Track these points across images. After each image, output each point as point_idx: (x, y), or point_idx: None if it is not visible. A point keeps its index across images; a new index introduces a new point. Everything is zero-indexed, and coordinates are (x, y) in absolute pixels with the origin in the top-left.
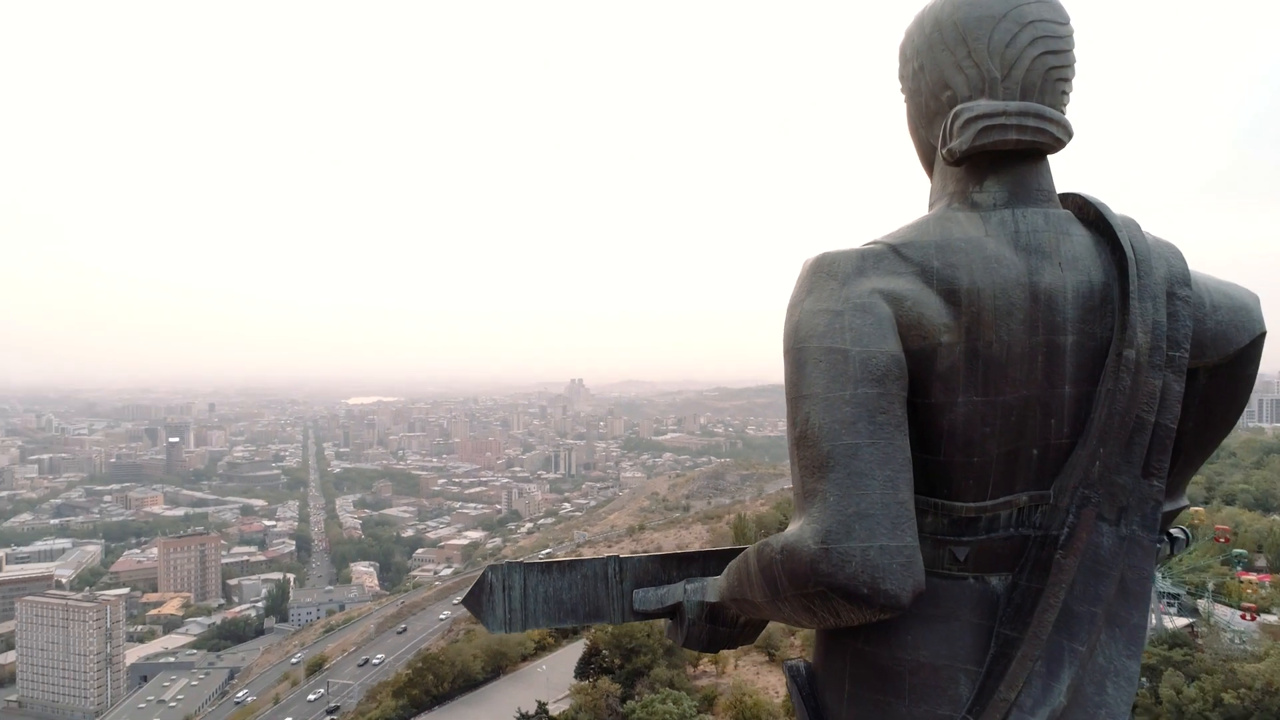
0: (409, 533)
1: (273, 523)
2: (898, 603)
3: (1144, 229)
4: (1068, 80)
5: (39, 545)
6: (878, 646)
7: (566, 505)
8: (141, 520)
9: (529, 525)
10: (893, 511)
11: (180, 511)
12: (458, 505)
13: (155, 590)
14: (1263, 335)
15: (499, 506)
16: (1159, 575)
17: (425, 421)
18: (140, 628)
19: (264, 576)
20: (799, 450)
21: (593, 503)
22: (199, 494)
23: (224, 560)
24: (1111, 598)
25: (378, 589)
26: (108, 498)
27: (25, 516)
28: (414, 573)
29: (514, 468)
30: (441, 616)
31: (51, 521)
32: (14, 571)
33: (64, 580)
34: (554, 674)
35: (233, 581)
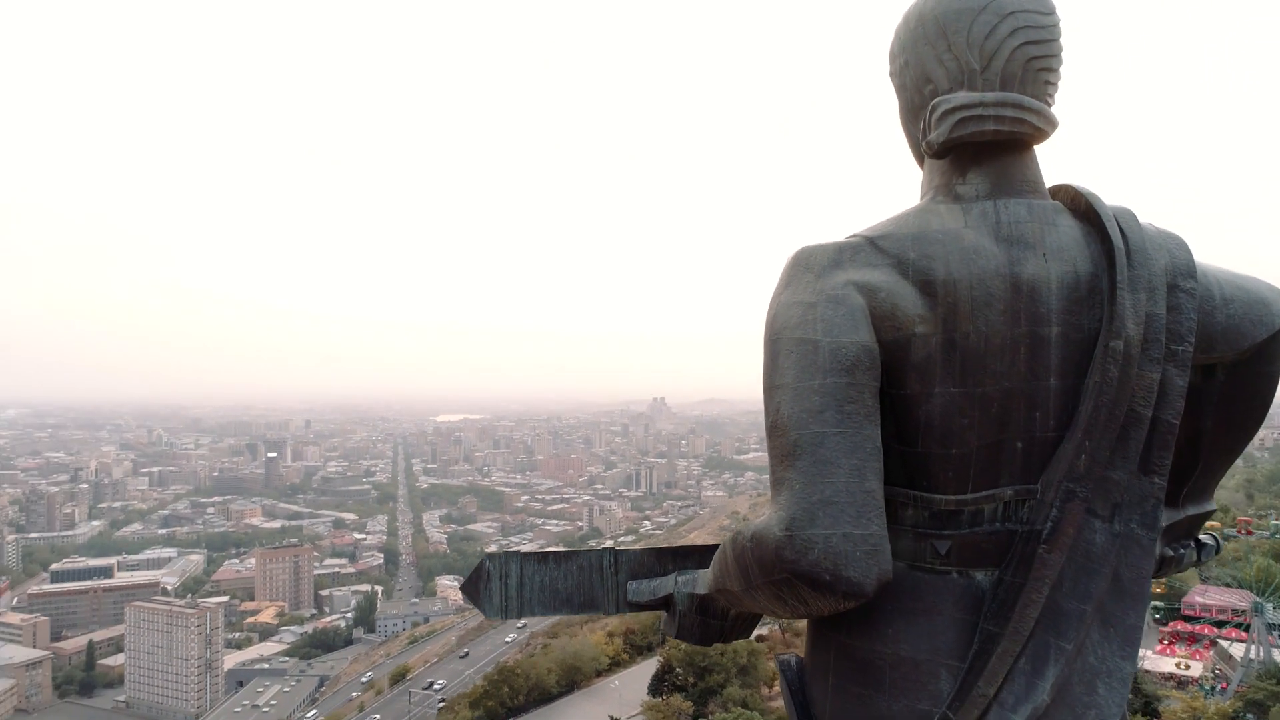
0: (492, 548)
1: (363, 536)
2: (860, 590)
3: (1146, 220)
4: (1052, 70)
5: (148, 554)
6: (859, 640)
7: (647, 523)
8: (241, 531)
9: (609, 542)
10: (858, 500)
11: (277, 524)
12: (540, 522)
13: (252, 599)
14: None
15: (580, 523)
16: (1269, 605)
17: (510, 439)
18: (238, 634)
19: (353, 588)
20: (770, 439)
21: (673, 521)
22: (294, 507)
23: (316, 571)
24: (1104, 596)
25: (461, 603)
26: (211, 509)
27: (136, 526)
28: None
29: (596, 485)
30: (520, 624)
31: (160, 531)
32: (125, 578)
33: (169, 587)
34: (627, 690)
35: (324, 592)
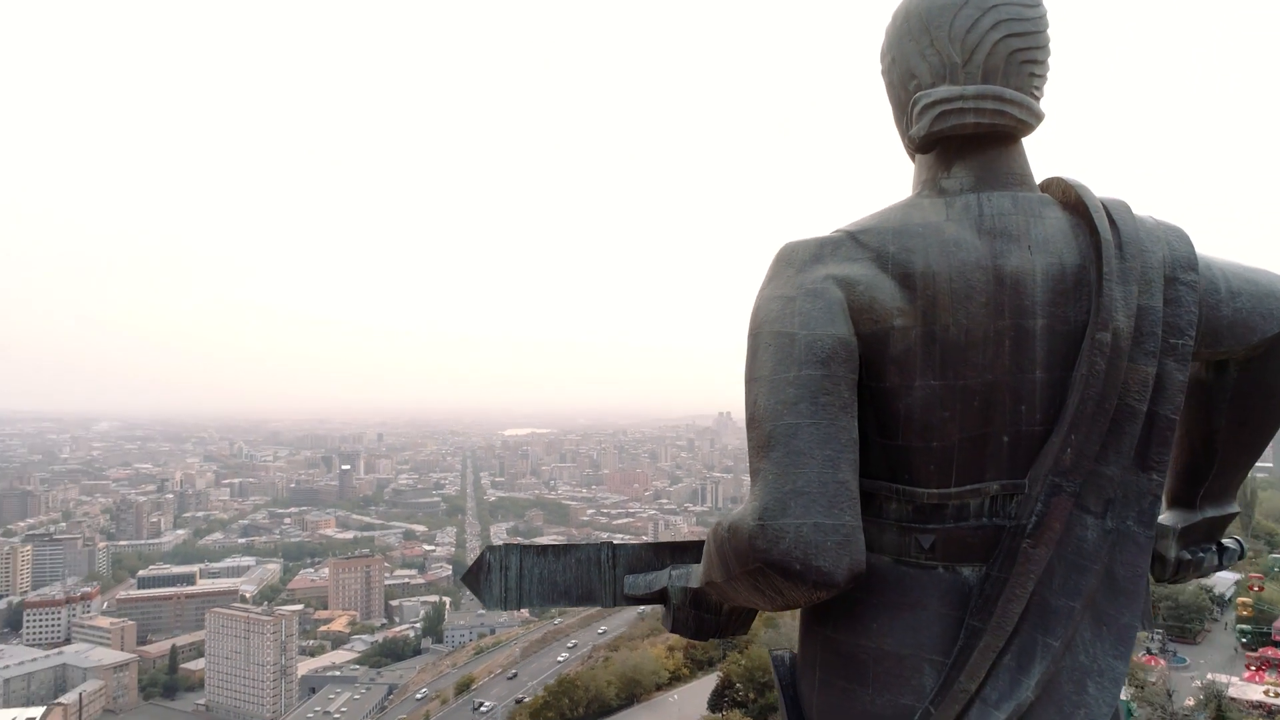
0: None
1: (432, 547)
2: (831, 580)
3: (1146, 213)
4: (1036, 62)
5: (228, 562)
6: (844, 634)
7: None
8: (316, 542)
9: None
10: (830, 490)
11: (350, 534)
12: (605, 535)
13: (325, 608)
14: None
15: (646, 537)
16: None
17: (576, 453)
18: (311, 642)
19: (422, 598)
20: (749, 431)
21: None
22: (367, 518)
23: (387, 582)
24: (1094, 592)
25: (527, 615)
26: (287, 520)
27: (217, 535)
28: None
29: (661, 500)
30: (571, 643)
31: (239, 540)
32: (206, 585)
33: (247, 595)
34: (686, 705)
35: (394, 602)
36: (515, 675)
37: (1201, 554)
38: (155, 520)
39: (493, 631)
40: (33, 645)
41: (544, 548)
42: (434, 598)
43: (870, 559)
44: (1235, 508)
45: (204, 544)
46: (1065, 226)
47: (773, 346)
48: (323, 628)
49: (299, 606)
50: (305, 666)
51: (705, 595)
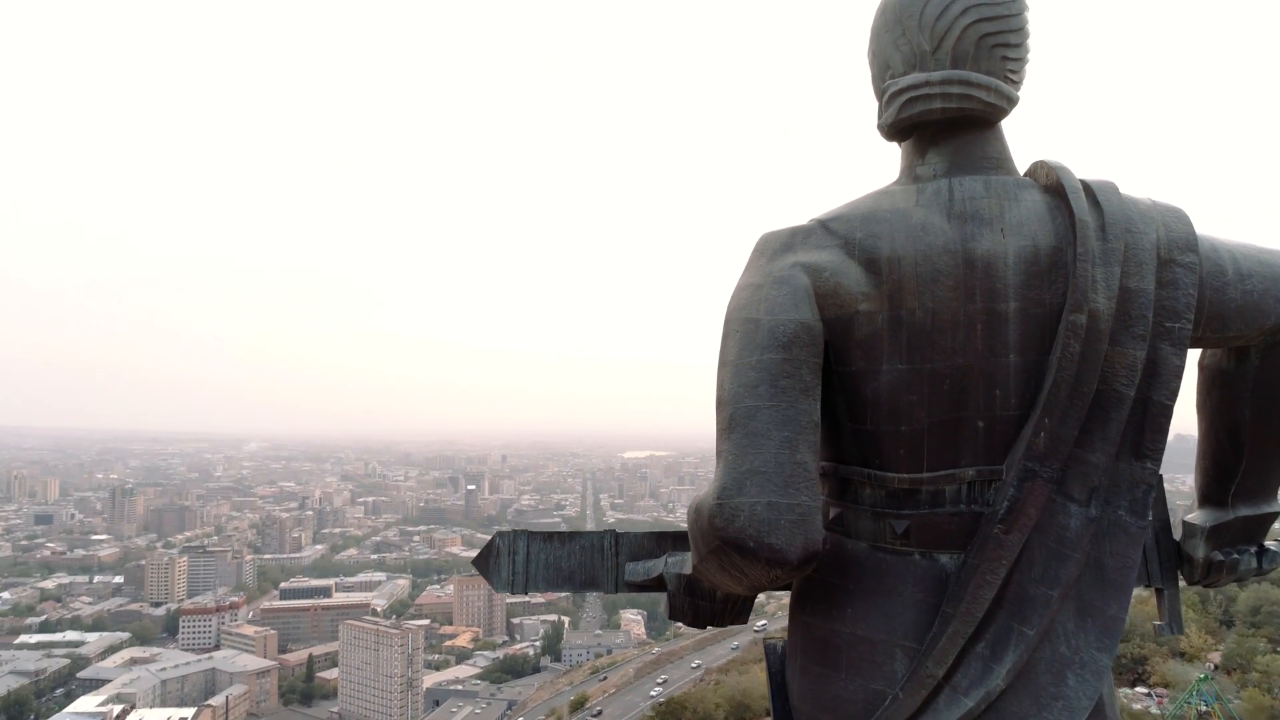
0: None
1: None
2: (784, 558)
3: (1144, 194)
4: (1009, 45)
5: (361, 576)
6: (820, 619)
7: None
8: (442, 559)
9: None
10: (786, 470)
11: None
12: None
13: (450, 623)
14: None
15: None
16: None
17: (694, 475)
18: (436, 656)
19: (542, 617)
20: (716, 414)
21: None
22: (490, 537)
23: (508, 600)
24: (1078, 582)
25: (644, 636)
26: (416, 537)
27: (352, 551)
28: (678, 624)
29: None
30: (694, 665)
31: (372, 556)
32: (341, 598)
33: (378, 609)
34: None
35: (515, 620)
36: (600, 714)
37: (1236, 555)
38: (296, 535)
39: (609, 651)
40: (187, 649)
41: (550, 534)
42: (553, 617)
43: (847, 545)
44: (1276, 507)
45: (340, 559)
46: (1042, 209)
47: (739, 332)
48: (447, 643)
49: (426, 621)
50: (430, 679)
51: (698, 581)
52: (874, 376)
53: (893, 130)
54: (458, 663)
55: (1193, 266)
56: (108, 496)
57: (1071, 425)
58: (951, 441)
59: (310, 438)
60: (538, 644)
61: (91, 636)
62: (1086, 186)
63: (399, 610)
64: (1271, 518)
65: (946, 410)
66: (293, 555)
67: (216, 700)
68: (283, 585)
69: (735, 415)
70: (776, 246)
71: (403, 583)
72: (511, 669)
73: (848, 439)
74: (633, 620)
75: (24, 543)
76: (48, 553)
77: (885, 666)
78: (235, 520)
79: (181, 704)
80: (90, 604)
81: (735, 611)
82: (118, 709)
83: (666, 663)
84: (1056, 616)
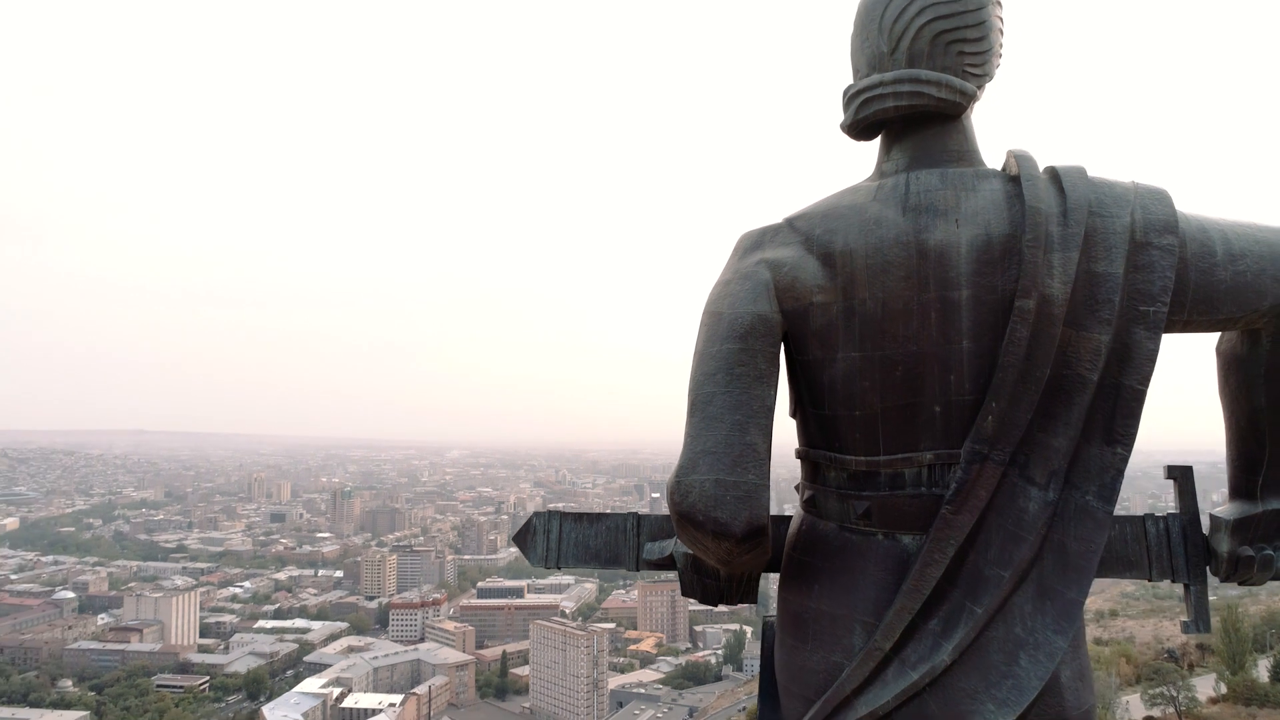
0: None
1: None
2: (728, 530)
3: (1126, 177)
4: (966, 40)
5: (551, 579)
6: (795, 595)
7: None
8: None
9: None
10: (735, 450)
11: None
12: None
13: (635, 628)
14: None
15: None
16: None
17: None
18: (621, 659)
19: (725, 626)
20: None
21: None
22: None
23: (691, 608)
24: (1036, 564)
25: None
26: None
27: None
28: None
29: None
30: None
31: None
32: (532, 599)
33: (567, 610)
34: None
35: (698, 628)
36: None
37: (1268, 551)
38: (492, 538)
39: None
40: (396, 640)
41: (580, 515)
42: (735, 626)
43: (819, 525)
44: None
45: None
46: (1000, 198)
47: (706, 325)
48: (631, 647)
49: (611, 625)
50: (615, 681)
51: (702, 560)
52: (830, 364)
53: (853, 130)
54: (641, 666)
55: (1170, 249)
56: (330, 498)
57: (1023, 409)
58: (908, 426)
59: (506, 446)
60: (720, 652)
61: (316, 625)
62: (1055, 173)
63: (586, 613)
64: None
65: (901, 396)
66: (489, 556)
67: (421, 689)
68: (480, 584)
69: (695, 400)
70: (748, 245)
71: (590, 586)
72: (693, 676)
73: (813, 424)
74: None
75: (261, 538)
76: (280, 548)
77: (845, 640)
78: (439, 522)
79: (391, 690)
80: (315, 595)
81: (741, 590)
82: (337, 691)
83: None
84: (1014, 598)
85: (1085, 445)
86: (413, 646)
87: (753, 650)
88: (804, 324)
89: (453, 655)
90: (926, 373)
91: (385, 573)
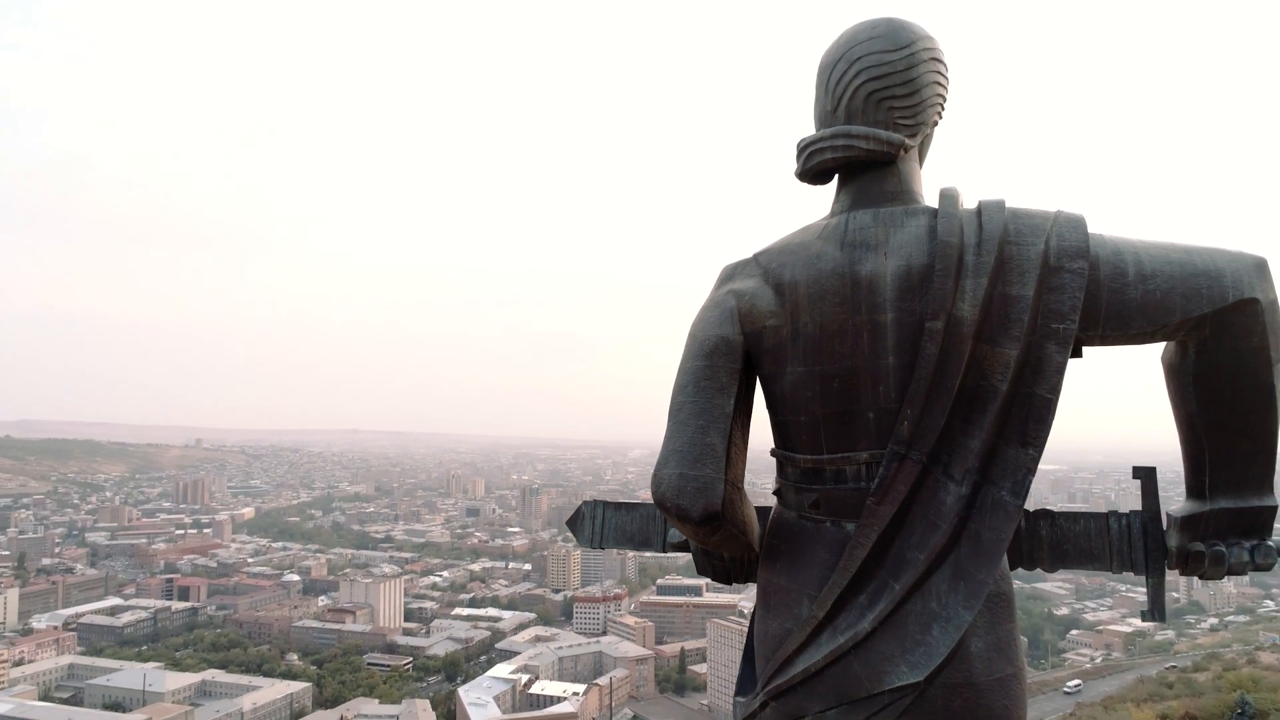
0: (1063, 610)
1: None
2: (688, 515)
3: (1051, 206)
4: (895, 98)
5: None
6: (764, 573)
7: (1269, 603)
8: None
9: (1213, 620)
10: (698, 449)
11: None
12: (1123, 588)
13: None
14: (1246, 303)
15: (1176, 595)
16: None
17: (1089, 492)
18: None
19: None
20: None
21: None
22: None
23: None
24: (943, 548)
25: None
26: None
27: None
28: (1067, 655)
29: None
30: (1069, 687)
31: None
32: (710, 598)
33: (744, 610)
34: None
35: None
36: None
37: (1218, 547)
38: None
39: None
40: (579, 633)
41: (620, 504)
42: None
43: (784, 514)
44: (1269, 500)
45: None
46: (923, 233)
47: (686, 345)
48: None
49: None
50: None
51: None
52: (780, 377)
53: (804, 178)
54: None
55: (1080, 272)
56: (519, 495)
57: (936, 414)
58: (846, 429)
59: None
60: None
61: (506, 614)
62: (982, 206)
63: None
64: (1265, 511)
65: (839, 404)
66: (669, 555)
67: (603, 680)
68: (660, 582)
69: (670, 408)
70: (723, 277)
71: None
72: None
73: (775, 428)
74: None
75: (458, 531)
76: (475, 540)
77: (795, 610)
78: None
79: (575, 680)
80: (505, 586)
81: (745, 570)
82: (525, 678)
83: (1039, 692)
84: (932, 578)
85: (1004, 447)
86: (595, 639)
87: None
88: (760, 344)
89: (633, 649)
90: (860, 384)
91: (570, 567)
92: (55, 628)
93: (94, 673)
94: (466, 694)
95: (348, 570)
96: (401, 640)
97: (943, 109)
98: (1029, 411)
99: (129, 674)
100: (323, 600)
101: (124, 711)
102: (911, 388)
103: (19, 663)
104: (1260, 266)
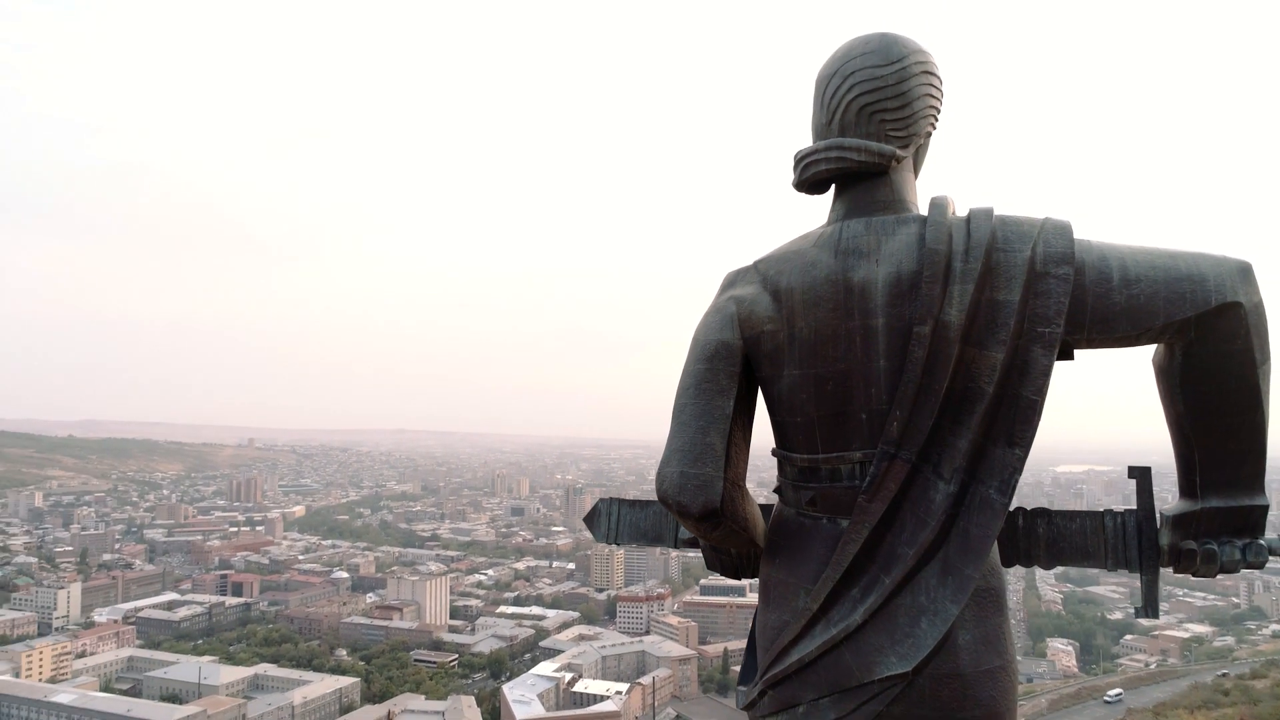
0: (1117, 615)
1: None
2: (687, 511)
3: (1041, 213)
4: (887, 110)
5: None
6: (765, 568)
7: None
8: None
9: (1275, 626)
10: (698, 448)
11: None
12: (1180, 593)
13: None
14: (1229, 306)
15: (1236, 600)
16: None
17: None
18: None
19: None
20: None
21: None
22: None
23: None
24: (931, 544)
25: (1073, 669)
26: None
27: None
28: (1120, 660)
29: None
30: (1110, 696)
31: None
32: (752, 599)
33: None
34: None
35: None
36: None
37: (1213, 546)
38: None
39: (1029, 680)
40: (623, 632)
41: (634, 501)
42: None
43: (785, 511)
44: (1258, 500)
45: None
46: (913, 240)
47: (690, 349)
48: None
49: None
50: None
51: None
52: (778, 380)
53: (800, 188)
54: None
55: (1065, 278)
56: (563, 494)
57: (924, 415)
58: (840, 430)
59: None
60: None
61: (550, 613)
62: (971, 214)
63: None
64: (1256, 510)
65: (833, 405)
66: None
67: (646, 679)
68: (703, 582)
69: (675, 409)
70: (725, 283)
71: None
72: None
73: (775, 428)
74: (1061, 650)
75: (503, 529)
76: (519, 539)
77: (792, 602)
78: None
79: (618, 678)
80: (549, 585)
81: (751, 566)
82: (569, 676)
83: (1089, 698)
84: (922, 573)
85: (991, 447)
86: (638, 638)
87: None
88: (758, 348)
89: (676, 649)
90: (852, 387)
91: (613, 566)
92: (115, 621)
93: (152, 665)
94: (510, 691)
95: (395, 568)
96: (447, 637)
97: (936, 120)
98: (1015, 413)
99: (185, 667)
100: (371, 597)
101: (180, 703)
102: (900, 390)
103: (81, 655)
104: (1244, 271)
